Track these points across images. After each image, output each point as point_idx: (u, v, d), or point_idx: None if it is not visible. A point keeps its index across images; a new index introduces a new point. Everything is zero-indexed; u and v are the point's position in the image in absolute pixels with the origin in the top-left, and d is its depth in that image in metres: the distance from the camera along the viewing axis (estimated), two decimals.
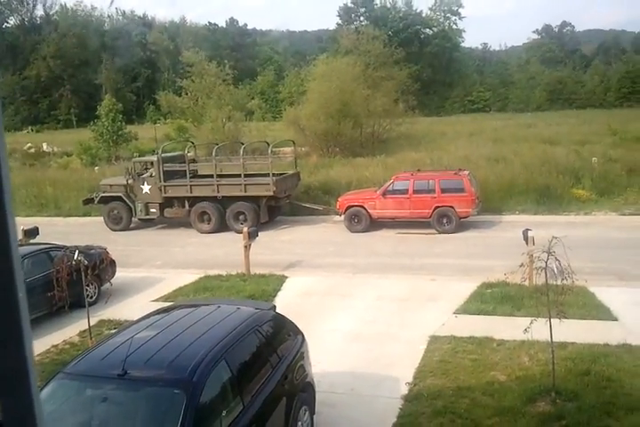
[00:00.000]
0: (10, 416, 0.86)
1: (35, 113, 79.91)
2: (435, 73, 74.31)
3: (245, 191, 19.98)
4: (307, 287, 13.55)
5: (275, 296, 12.84)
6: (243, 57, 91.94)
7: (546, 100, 68.35)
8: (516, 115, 56.66)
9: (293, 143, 24.59)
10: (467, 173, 19.29)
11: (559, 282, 8.02)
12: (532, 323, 7.69)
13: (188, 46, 60.54)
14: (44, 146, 44.45)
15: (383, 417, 7.68)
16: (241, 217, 19.89)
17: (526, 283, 10.83)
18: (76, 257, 10.48)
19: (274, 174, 20.14)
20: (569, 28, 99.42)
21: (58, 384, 5.98)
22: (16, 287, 0.85)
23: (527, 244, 11.93)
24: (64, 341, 11.02)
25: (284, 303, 11.25)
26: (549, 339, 8.00)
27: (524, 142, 30.68)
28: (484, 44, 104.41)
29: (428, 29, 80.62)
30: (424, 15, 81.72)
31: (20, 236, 14.58)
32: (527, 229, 12.57)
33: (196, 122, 37.67)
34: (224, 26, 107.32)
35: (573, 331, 9.45)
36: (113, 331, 9.58)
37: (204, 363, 5.82)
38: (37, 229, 15.17)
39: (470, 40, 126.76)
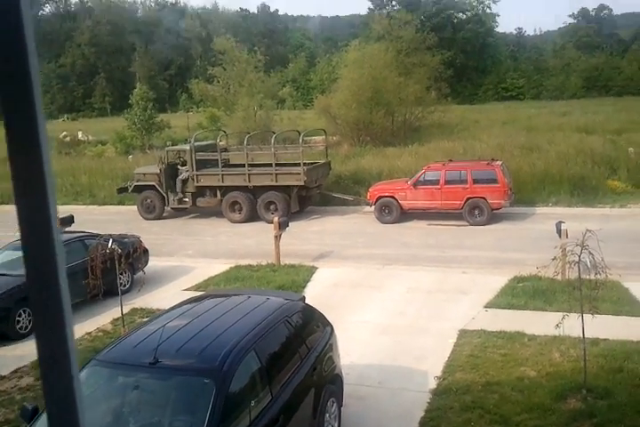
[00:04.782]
0: (51, 400, 0.91)
1: (70, 101, 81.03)
2: (468, 59, 73.08)
3: (276, 181, 20.02)
4: (336, 278, 13.57)
5: (304, 287, 12.88)
6: (274, 43, 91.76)
7: (582, 87, 66.74)
8: (551, 102, 55.57)
9: (325, 132, 24.53)
10: (499, 163, 19.03)
11: (592, 276, 7.93)
12: (563, 318, 7.61)
13: (220, 33, 60.65)
14: (80, 134, 45.05)
15: (411, 411, 7.69)
16: (272, 207, 19.95)
17: (559, 277, 10.71)
18: (110, 245, 10.64)
19: (305, 164, 20.13)
20: (606, 11, 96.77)
21: (90, 371, 6.11)
22: (58, 274, 0.88)
23: (560, 237, 11.78)
24: (97, 328, 11.23)
25: (314, 294, 11.27)
26: (581, 335, 7.90)
27: (559, 131, 30.17)
28: (519, 28, 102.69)
29: (461, 14, 79.11)
30: None
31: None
32: (560, 222, 12.40)
33: (228, 110, 37.79)
34: (255, 12, 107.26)
35: (606, 327, 9.32)
36: (145, 319, 9.74)
37: (233, 353, 5.88)
38: (72, 217, 15.43)
39: (504, 25, 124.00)
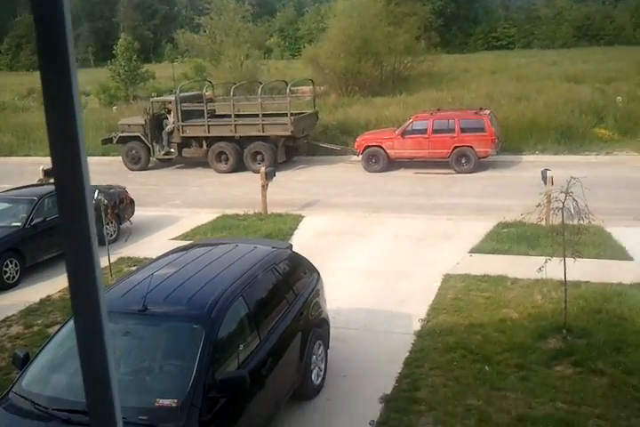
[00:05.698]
0: (79, 313, 1.00)
1: None
2: (458, 8, 71.58)
3: (263, 131, 19.88)
4: (323, 226, 13.65)
5: (291, 235, 12.96)
6: None
7: (572, 36, 65.72)
8: (541, 52, 54.82)
9: (312, 82, 24.23)
10: (487, 112, 18.95)
11: (576, 222, 8.02)
12: (546, 262, 7.76)
13: None
14: None
15: (395, 352, 7.87)
16: (258, 157, 19.86)
17: (543, 223, 10.86)
18: (95, 196, 10.60)
19: (292, 114, 19.95)
20: None
21: None
22: (87, 214, 0.96)
23: (545, 184, 11.87)
24: None
25: (301, 242, 11.37)
26: (563, 278, 8.05)
27: (548, 80, 29.87)
28: None
29: None
30: None
31: (40, 175, 14.76)
32: (546, 169, 12.50)
33: (214, 61, 37.10)
34: None
35: (588, 270, 9.52)
36: (133, 268, 9.81)
37: (221, 299, 5.95)
38: None
39: None
